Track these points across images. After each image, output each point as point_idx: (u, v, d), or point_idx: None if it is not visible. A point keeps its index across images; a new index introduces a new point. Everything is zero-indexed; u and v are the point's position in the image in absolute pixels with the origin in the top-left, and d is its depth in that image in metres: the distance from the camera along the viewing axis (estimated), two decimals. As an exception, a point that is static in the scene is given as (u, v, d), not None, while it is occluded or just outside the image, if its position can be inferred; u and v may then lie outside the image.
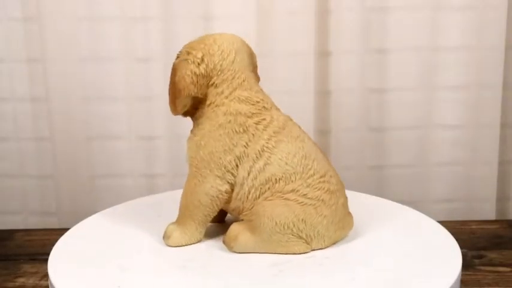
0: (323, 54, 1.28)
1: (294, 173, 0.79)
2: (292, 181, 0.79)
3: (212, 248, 0.82)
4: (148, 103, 1.29)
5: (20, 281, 1.07)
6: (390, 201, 0.99)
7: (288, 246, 0.79)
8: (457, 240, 0.83)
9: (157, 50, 1.26)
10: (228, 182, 0.81)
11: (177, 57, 0.82)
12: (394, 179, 1.34)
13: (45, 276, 1.05)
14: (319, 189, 0.79)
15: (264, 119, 0.82)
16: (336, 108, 1.30)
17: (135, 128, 1.30)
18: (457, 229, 1.20)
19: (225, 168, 0.81)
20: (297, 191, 0.79)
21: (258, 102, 0.82)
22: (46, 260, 0.80)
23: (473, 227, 1.24)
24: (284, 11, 1.25)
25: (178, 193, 0.84)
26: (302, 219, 0.78)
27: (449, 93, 1.30)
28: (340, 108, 1.29)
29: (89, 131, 1.30)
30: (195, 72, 0.81)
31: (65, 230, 0.90)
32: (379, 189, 1.33)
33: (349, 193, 1.04)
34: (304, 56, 1.26)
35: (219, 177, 0.81)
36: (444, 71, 1.29)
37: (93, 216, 0.95)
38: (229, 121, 0.81)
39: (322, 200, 0.79)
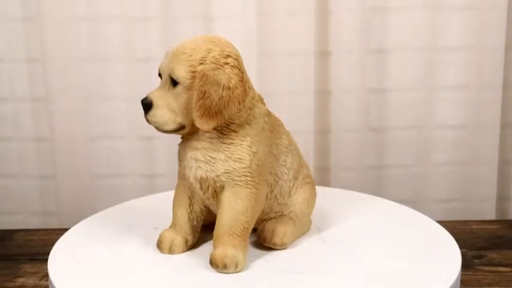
0: (323, 54, 1.28)
1: (301, 160, 0.87)
2: (302, 167, 0.86)
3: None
4: (149, 103, 1.29)
5: (20, 281, 1.07)
6: (390, 201, 0.99)
7: (308, 225, 0.88)
8: (457, 240, 0.83)
9: (157, 50, 1.26)
10: (267, 184, 0.81)
11: (203, 62, 0.75)
12: (394, 179, 1.34)
13: (45, 276, 1.05)
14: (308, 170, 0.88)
15: (273, 115, 0.83)
16: (336, 108, 1.30)
17: (135, 128, 1.30)
18: (457, 229, 1.20)
19: (269, 170, 0.80)
20: (307, 175, 0.87)
21: (262, 99, 0.82)
22: (46, 260, 0.80)
23: (473, 227, 1.24)
24: (284, 11, 1.25)
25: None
26: (314, 198, 0.87)
27: (449, 93, 1.30)
28: (340, 108, 1.29)
29: (89, 131, 1.30)
30: (241, 77, 0.76)
31: (65, 230, 0.90)
32: (379, 189, 1.33)
33: (349, 193, 1.04)
34: (304, 56, 1.26)
35: (266, 181, 0.80)
36: (444, 71, 1.29)
37: (93, 216, 0.95)
38: (266, 122, 0.80)
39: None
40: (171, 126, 0.78)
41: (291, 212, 0.84)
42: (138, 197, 1.08)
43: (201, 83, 0.74)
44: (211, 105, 0.74)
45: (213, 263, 0.76)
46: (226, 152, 0.77)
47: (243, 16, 1.25)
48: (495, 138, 1.31)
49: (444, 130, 1.32)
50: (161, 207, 0.95)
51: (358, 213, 0.93)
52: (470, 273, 1.06)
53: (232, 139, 0.77)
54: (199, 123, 0.75)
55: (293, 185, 0.84)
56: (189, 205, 0.82)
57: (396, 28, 1.27)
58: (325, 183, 1.33)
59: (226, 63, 0.76)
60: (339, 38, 1.26)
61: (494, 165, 1.32)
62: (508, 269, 1.07)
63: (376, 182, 1.34)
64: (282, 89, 1.26)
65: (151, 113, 0.78)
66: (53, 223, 1.35)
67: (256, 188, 0.77)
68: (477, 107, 1.30)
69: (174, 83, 0.77)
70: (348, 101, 1.29)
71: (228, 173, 0.77)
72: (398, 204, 0.97)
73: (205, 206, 0.82)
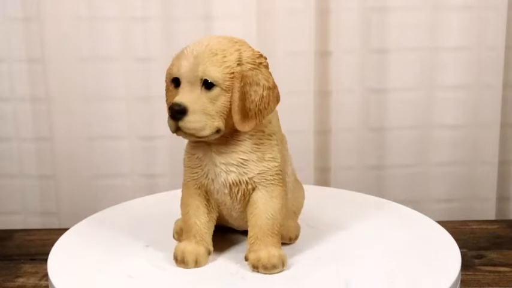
0: (323, 54, 1.28)
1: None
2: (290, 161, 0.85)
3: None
4: (148, 103, 1.29)
5: (20, 281, 1.07)
6: (390, 201, 0.99)
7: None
8: (457, 240, 0.83)
9: (157, 50, 1.26)
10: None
11: (240, 63, 0.74)
12: (394, 179, 1.34)
13: (45, 276, 1.05)
14: None
15: None
16: (336, 108, 1.30)
17: (135, 128, 1.30)
18: (457, 229, 1.20)
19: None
20: (294, 169, 0.86)
21: None
22: (46, 260, 0.80)
23: (473, 227, 1.24)
24: (284, 11, 1.25)
25: (178, 193, 0.84)
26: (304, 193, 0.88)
27: (449, 93, 1.30)
28: (340, 108, 1.29)
29: (89, 131, 1.30)
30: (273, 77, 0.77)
31: (65, 230, 0.90)
32: (379, 189, 1.33)
33: (349, 193, 1.04)
34: (304, 56, 1.26)
35: (285, 180, 0.80)
36: (444, 71, 1.29)
37: (93, 216, 0.95)
38: (279, 120, 0.80)
39: None
40: (208, 131, 0.73)
41: (293, 205, 0.84)
42: (138, 197, 1.08)
43: (242, 84, 0.73)
44: (252, 106, 0.73)
45: (259, 265, 0.75)
46: (258, 153, 0.76)
47: (243, 16, 1.25)
48: (495, 138, 1.31)
49: (444, 130, 1.32)
50: (161, 207, 0.95)
51: (358, 213, 0.93)
52: (470, 273, 1.06)
53: (260, 139, 0.77)
54: (241, 125, 0.74)
55: (292, 181, 0.84)
56: (207, 213, 0.78)
57: (396, 28, 1.27)
58: (325, 183, 1.33)
59: (261, 63, 0.75)
60: (339, 38, 1.26)
61: (494, 165, 1.32)
62: (508, 269, 1.07)
63: (376, 182, 1.34)
64: (282, 89, 1.24)
65: (187, 119, 0.72)
66: (53, 223, 1.35)
67: (284, 186, 0.78)
68: (477, 107, 1.30)
69: (209, 85, 0.73)
70: (348, 101, 1.29)
71: (262, 173, 0.76)
72: (398, 204, 0.97)
73: (218, 212, 0.80)
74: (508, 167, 1.36)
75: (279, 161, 0.77)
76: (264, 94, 0.74)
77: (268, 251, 0.75)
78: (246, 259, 0.77)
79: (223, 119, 0.73)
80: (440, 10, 1.26)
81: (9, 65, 1.29)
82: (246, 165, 0.75)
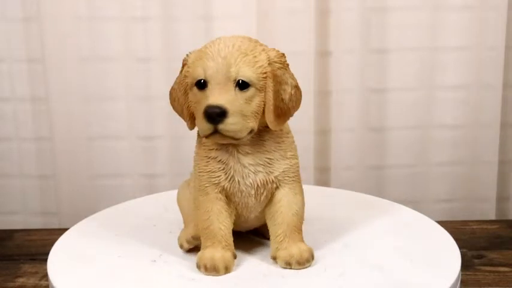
0: (323, 54, 1.28)
1: None
2: None
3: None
4: (148, 103, 1.29)
5: (20, 281, 1.07)
6: (390, 201, 0.99)
7: None
8: (457, 240, 0.83)
9: (157, 50, 1.26)
10: None
11: (270, 63, 0.74)
12: (394, 179, 1.34)
13: (45, 276, 1.05)
14: None
15: None
16: (336, 108, 1.30)
17: (135, 128, 1.30)
18: (457, 229, 1.20)
19: None
20: None
21: None
22: (46, 260, 0.80)
23: (473, 227, 1.24)
24: (284, 11, 1.25)
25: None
26: None
27: (449, 93, 1.30)
28: (340, 108, 1.29)
29: (89, 131, 1.30)
30: None
31: (65, 230, 0.90)
32: (379, 189, 1.33)
33: (349, 193, 1.04)
34: (304, 56, 1.26)
35: None
36: (444, 71, 1.29)
37: (93, 216, 0.95)
38: None
39: None
40: (245, 132, 0.72)
41: None
42: (138, 197, 1.08)
43: (274, 83, 0.74)
44: (283, 105, 0.74)
45: (292, 262, 0.75)
46: (280, 151, 0.77)
47: (243, 16, 1.25)
48: (495, 138, 1.31)
49: (444, 130, 1.32)
50: (161, 207, 0.95)
51: (358, 213, 0.93)
52: (470, 273, 1.06)
53: (281, 137, 0.77)
54: (274, 125, 0.74)
55: None
56: (229, 217, 0.77)
57: (396, 28, 1.27)
58: (325, 183, 1.33)
59: (285, 62, 0.76)
60: (339, 38, 1.26)
61: (494, 165, 1.32)
62: (508, 269, 1.07)
63: (376, 182, 1.34)
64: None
65: (228, 121, 0.71)
66: (53, 223, 1.35)
67: (301, 181, 0.79)
68: (477, 107, 1.30)
69: (243, 86, 0.72)
70: (348, 101, 1.29)
71: (285, 171, 0.77)
72: (398, 204, 0.97)
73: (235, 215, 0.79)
74: (508, 167, 1.36)
75: (298, 158, 0.78)
76: (292, 92, 0.75)
77: (298, 247, 0.76)
78: (274, 258, 0.77)
79: (256, 119, 0.74)
80: (440, 10, 1.26)
81: (9, 65, 1.29)
82: (271, 164, 0.76)
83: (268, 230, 0.79)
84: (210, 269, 0.75)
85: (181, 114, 0.78)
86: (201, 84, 0.73)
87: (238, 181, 0.76)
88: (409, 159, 1.33)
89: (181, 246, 0.81)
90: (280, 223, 0.77)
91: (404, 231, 0.87)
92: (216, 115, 0.70)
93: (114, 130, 1.31)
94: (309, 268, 0.76)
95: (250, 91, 0.73)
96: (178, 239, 0.82)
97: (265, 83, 0.73)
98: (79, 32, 1.26)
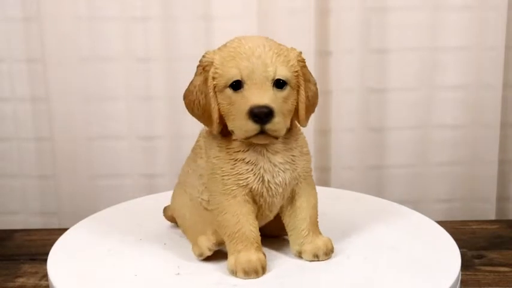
0: (323, 54, 1.28)
1: None
2: None
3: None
4: (148, 103, 1.29)
5: (20, 281, 1.07)
6: (390, 202, 0.99)
7: None
8: (457, 240, 0.83)
9: (157, 50, 1.26)
10: None
11: (297, 61, 0.75)
12: (394, 179, 1.34)
13: (45, 276, 1.05)
14: None
15: None
16: (336, 108, 1.30)
17: (135, 128, 1.30)
18: (457, 229, 1.20)
19: None
20: None
21: None
22: (46, 260, 0.80)
23: (473, 227, 1.24)
24: (284, 11, 1.25)
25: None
26: None
27: (449, 93, 1.30)
28: (340, 108, 1.29)
29: (89, 131, 1.30)
30: None
31: (65, 230, 0.90)
32: (379, 189, 1.33)
33: (349, 193, 1.04)
34: (304, 55, 1.26)
35: None
36: (444, 71, 1.29)
37: (93, 216, 0.95)
38: None
39: None
40: (284, 131, 0.73)
41: None
42: (138, 197, 1.08)
43: (303, 81, 0.75)
44: (308, 101, 0.76)
45: (320, 254, 0.77)
46: (299, 148, 0.78)
47: (243, 16, 1.25)
48: (495, 138, 1.31)
49: (444, 130, 1.32)
50: (161, 207, 0.95)
51: (358, 213, 0.93)
52: (470, 273, 1.06)
53: (297, 134, 0.79)
54: (305, 122, 0.77)
55: None
56: (256, 218, 0.77)
57: (396, 28, 1.27)
58: (326, 183, 1.33)
59: (305, 61, 0.77)
60: (339, 38, 1.26)
61: (494, 165, 1.32)
62: (508, 269, 1.07)
63: (376, 182, 1.34)
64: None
65: (275, 120, 0.71)
66: (53, 223, 1.35)
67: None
68: (477, 107, 1.30)
69: (280, 85, 0.73)
70: (348, 101, 1.29)
71: (304, 167, 0.78)
72: (398, 204, 0.97)
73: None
74: (508, 167, 1.36)
75: (310, 153, 0.80)
76: (314, 90, 0.77)
77: (321, 239, 0.78)
78: (299, 252, 0.78)
79: (290, 117, 0.75)
80: (440, 10, 1.26)
81: (9, 65, 1.29)
82: (294, 161, 0.77)
83: (275, 227, 0.80)
84: (250, 272, 0.73)
85: (201, 117, 0.76)
86: (237, 85, 0.72)
87: (268, 181, 0.75)
88: (409, 159, 1.33)
89: (201, 255, 0.78)
90: (304, 218, 0.78)
91: (404, 231, 0.87)
92: (264, 115, 0.70)
93: (114, 130, 1.31)
94: (332, 259, 0.78)
95: (287, 90, 0.74)
96: (196, 247, 0.78)
97: (298, 81, 0.75)
98: (79, 32, 1.26)
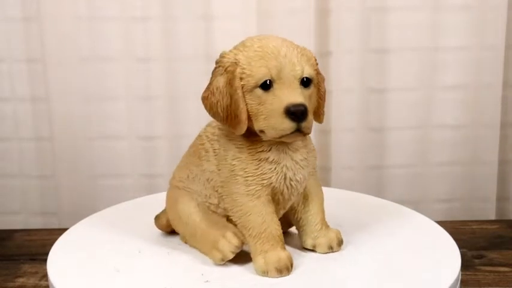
0: (323, 54, 1.28)
1: None
2: None
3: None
4: (148, 103, 1.29)
5: (20, 281, 1.07)
6: (390, 202, 0.99)
7: None
8: (457, 240, 0.83)
9: (157, 50, 1.26)
10: None
11: (315, 59, 0.77)
12: (394, 179, 1.34)
13: (45, 276, 1.05)
14: None
15: None
16: (336, 108, 1.30)
17: (135, 128, 1.30)
18: (457, 229, 1.20)
19: None
20: None
21: None
22: (46, 260, 0.80)
23: (473, 227, 1.24)
24: (284, 11, 1.25)
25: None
26: None
27: (449, 93, 1.30)
28: (340, 108, 1.29)
29: (89, 131, 1.30)
30: None
31: (65, 230, 0.90)
32: (379, 189, 1.33)
33: (349, 193, 1.04)
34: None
35: None
36: (444, 71, 1.29)
37: (93, 216, 0.95)
38: None
39: None
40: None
41: None
42: (138, 197, 1.08)
43: (320, 79, 0.78)
44: (324, 99, 0.79)
45: (334, 245, 0.80)
46: (309, 145, 0.79)
47: (243, 16, 1.25)
48: (495, 138, 1.31)
49: (444, 130, 1.32)
50: (161, 207, 0.95)
51: (358, 213, 0.93)
52: (470, 273, 1.06)
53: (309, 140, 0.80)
54: (322, 119, 0.79)
55: None
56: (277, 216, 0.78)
57: (396, 28, 1.27)
58: (326, 183, 1.33)
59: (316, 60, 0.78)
60: (339, 38, 1.26)
61: (494, 165, 1.32)
62: (508, 269, 1.07)
63: (376, 182, 1.34)
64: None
65: (309, 118, 0.72)
66: (53, 223, 1.35)
67: None
68: (477, 107, 1.30)
69: (306, 84, 0.74)
70: (348, 101, 1.29)
71: (313, 163, 0.80)
72: (398, 204, 0.97)
73: None
74: (508, 167, 1.36)
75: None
76: (325, 87, 0.79)
77: (332, 231, 0.80)
78: (314, 246, 0.80)
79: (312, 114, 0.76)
80: (440, 10, 1.26)
81: (9, 65, 1.29)
82: (308, 158, 0.78)
83: (283, 222, 0.80)
84: (283, 270, 0.74)
85: (225, 119, 0.74)
86: (267, 85, 0.73)
87: (290, 178, 0.76)
88: (409, 159, 1.33)
89: (223, 259, 0.76)
90: (317, 212, 0.80)
91: (404, 231, 0.87)
92: (300, 113, 0.71)
93: (114, 130, 1.31)
94: (341, 252, 0.80)
95: (311, 88, 0.75)
96: (217, 252, 0.77)
97: (318, 80, 0.77)
98: (79, 32, 1.26)
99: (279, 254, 0.74)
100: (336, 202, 0.98)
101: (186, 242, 0.83)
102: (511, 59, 1.30)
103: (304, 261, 0.78)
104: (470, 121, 1.31)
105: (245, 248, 0.77)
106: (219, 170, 0.77)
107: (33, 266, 1.11)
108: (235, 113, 0.73)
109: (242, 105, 0.73)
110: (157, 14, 1.25)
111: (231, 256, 0.76)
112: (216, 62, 0.76)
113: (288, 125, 0.71)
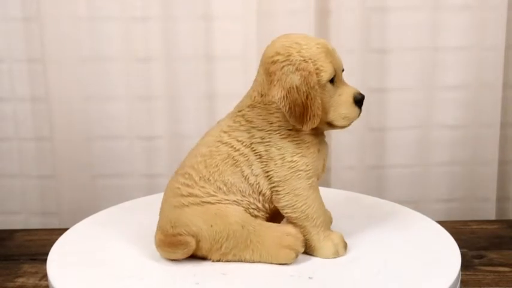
0: (323, 54, 1.28)
1: None
2: None
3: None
4: (148, 103, 1.29)
5: (20, 281, 1.07)
6: (390, 202, 0.99)
7: None
8: (457, 240, 0.83)
9: (157, 50, 1.26)
10: None
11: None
12: (394, 179, 1.34)
13: (45, 276, 1.05)
14: None
15: None
16: (336, 108, 1.30)
17: (135, 128, 1.30)
18: (457, 229, 1.20)
19: None
20: None
21: None
22: (46, 260, 0.80)
23: (473, 227, 1.24)
24: (284, 11, 1.25)
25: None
26: None
27: (450, 93, 1.30)
28: (340, 108, 1.29)
29: (89, 131, 1.30)
30: None
31: (65, 230, 0.90)
32: (380, 189, 1.33)
33: (349, 193, 1.04)
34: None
35: None
36: (444, 71, 1.29)
37: (93, 216, 0.95)
38: None
39: None
40: None
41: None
42: (138, 197, 1.08)
43: None
44: None
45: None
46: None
47: (243, 16, 1.25)
48: (495, 138, 1.31)
49: (444, 130, 1.32)
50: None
51: (358, 213, 0.93)
52: (470, 273, 1.06)
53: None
54: None
55: None
56: None
57: (396, 28, 1.27)
58: (326, 183, 1.33)
59: None
60: (339, 38, 1.26)
61: (494, 165, 1.32)
62: (508, 269, 1.07)
63: (376, 182, 1.34)
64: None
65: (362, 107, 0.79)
66: (53, 223, 1.35)
67: None
68: (477, 107, 1.30)
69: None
70: (348, 101, 1.29)
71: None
72: (398, 204, 0.97)
73: None
74: (508, 167, 1.36)
75: None
76: None
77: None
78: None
79: None
80: (440, 10, 1.26)
81: (9, 65, 1.29)
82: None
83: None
84: (346, 246, 0.80)
85: (300, 116, 0.75)
86: (333, 79, 0.78)
87: (325, 165, 0.81)
88: (409, 159, 1.33)
89: (296, 256, 0.76)
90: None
91: (405, 231, 0.87)
92: (362, 101, 0.79)
93: (114, 130, 1.31)
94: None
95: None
96: (288, 250, 0.76)
97: None
98: (79, 32, 1.26)
99: (337, 234, 0.79)
100: (336, 202, 0.98)
101: (221, 259, 0.78)
102: (511, 59, 1.30)
103: (304, 261, 0.78)
104: (470, 121, 1.31)
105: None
106: (271, 170, 0.77)
107: (33, 266, 1.11)
108: (312, 109, 0.75)
109: (319, 100, 0.76)
110: (157, 14, 1.25)
111: (303, 250, 0.78)
112: (273, 62, 0.76)
113: (357, 112, 0.78)
